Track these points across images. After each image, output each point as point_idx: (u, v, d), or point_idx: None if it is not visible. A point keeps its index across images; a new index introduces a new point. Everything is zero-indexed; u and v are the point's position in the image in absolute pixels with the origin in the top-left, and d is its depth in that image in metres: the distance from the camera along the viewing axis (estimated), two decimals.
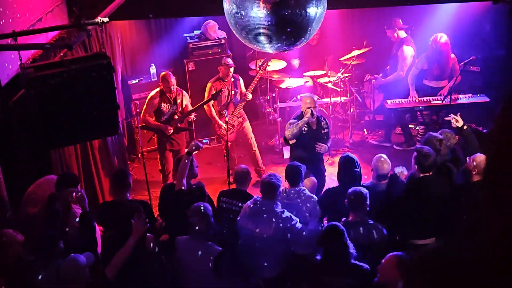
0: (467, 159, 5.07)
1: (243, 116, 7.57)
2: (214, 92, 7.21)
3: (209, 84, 7.40)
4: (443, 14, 7.96)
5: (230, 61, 7.44)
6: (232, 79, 7.48)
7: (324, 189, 5.92)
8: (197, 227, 4.37)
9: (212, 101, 7.31)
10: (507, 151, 1.60)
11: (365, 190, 4.63)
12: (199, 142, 5.43)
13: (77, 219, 4.60)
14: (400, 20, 7.80)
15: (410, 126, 8.77)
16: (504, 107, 1.61)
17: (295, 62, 8.92)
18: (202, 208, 4.42)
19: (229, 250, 4.56)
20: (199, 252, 4.36)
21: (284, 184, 5.12)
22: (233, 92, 7.43)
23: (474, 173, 4.92)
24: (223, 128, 7.12)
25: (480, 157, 4.94)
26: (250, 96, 7.46)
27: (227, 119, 6.78)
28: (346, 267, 4.05)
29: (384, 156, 5.28)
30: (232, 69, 7.41)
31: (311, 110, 6.02)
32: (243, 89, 7.60)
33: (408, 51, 7.73)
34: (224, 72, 7.38)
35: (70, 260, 4.02)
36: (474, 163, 4.92)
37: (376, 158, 5.27)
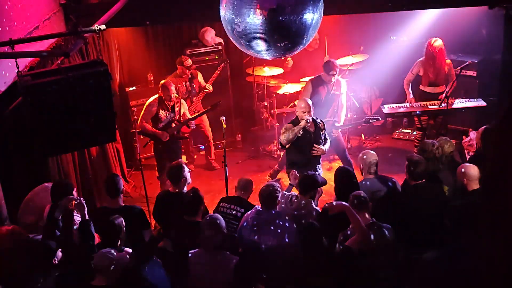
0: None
1: (200, 110, 7.71)
2: (214, 103, 7.37)
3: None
4: (439, 19, 7.98)
5: (190, 62, 7.78)
6: (190, 76, 7.87)
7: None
8: (212, 239, 4.34)
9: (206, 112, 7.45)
10: (504, 162, 1.61)
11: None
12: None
13: (76, 227, 4.59)
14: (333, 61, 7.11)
15: (407, 131, 8.81)
16: (500, 121, 1.62)
17: (288, 61, 8.82)
18: (218, 220, 4.40)
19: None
20: (217, 263, 4.33)
21: (283, 188, 5.14)
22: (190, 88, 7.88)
23: (465, 182, 4.86)
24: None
25: (468, 166, 4.90)
26: (210, 88, 7.90)
27: (224, 125, 6.76)
28: (328, 266, 4.04)
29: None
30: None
31: (307, 117, 5.93)
32: (203, 83, 7.97)
33: (344, 81, 7.38)
34: (182, 71, 7.77)
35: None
36: (464, 171, 4.88)
37: (360, 154, 5.40)
